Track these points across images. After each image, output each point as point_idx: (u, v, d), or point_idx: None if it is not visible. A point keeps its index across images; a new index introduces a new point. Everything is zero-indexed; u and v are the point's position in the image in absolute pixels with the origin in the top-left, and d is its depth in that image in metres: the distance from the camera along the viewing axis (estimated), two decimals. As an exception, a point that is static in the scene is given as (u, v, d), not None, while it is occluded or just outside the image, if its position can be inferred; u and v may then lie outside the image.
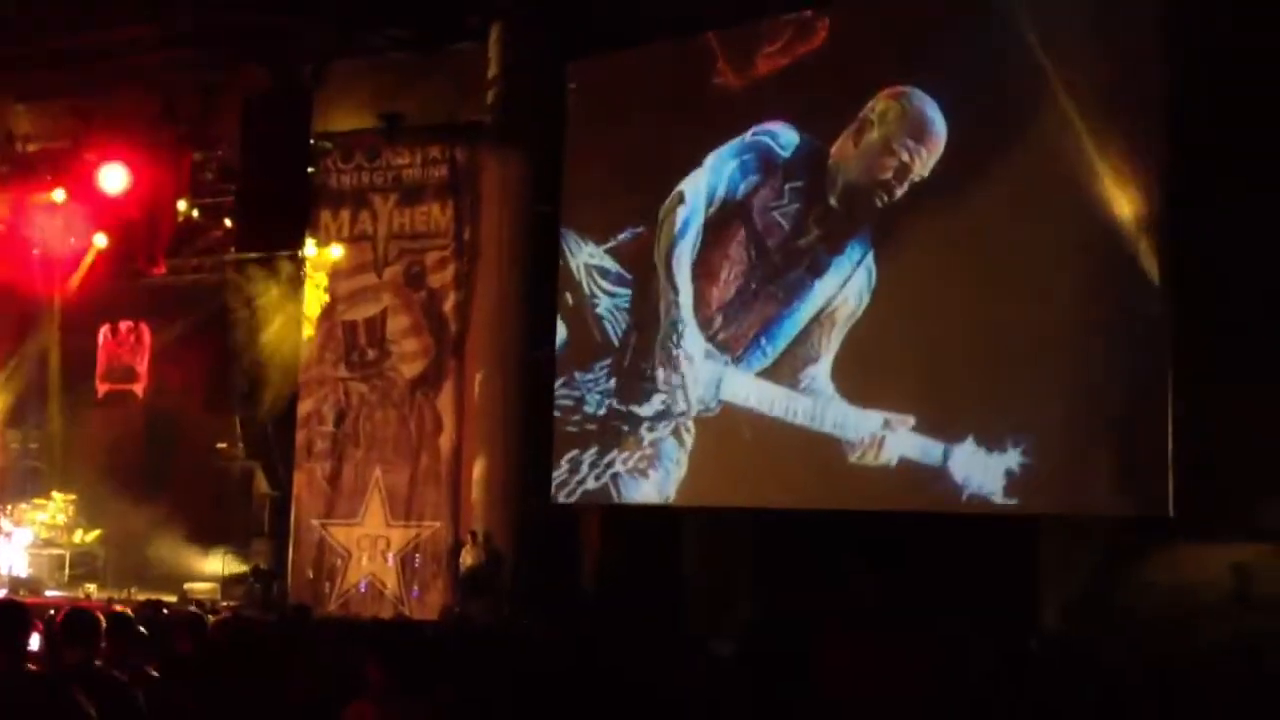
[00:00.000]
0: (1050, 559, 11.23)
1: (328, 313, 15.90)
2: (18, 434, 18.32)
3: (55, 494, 16.76)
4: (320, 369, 15.86)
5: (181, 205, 16.55)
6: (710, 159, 13.70)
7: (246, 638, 6.08)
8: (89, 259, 17.37)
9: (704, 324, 13.70)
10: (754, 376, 13.18)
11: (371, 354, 15.66)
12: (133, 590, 15.16)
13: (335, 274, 15.92)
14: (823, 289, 12.85)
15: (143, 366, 17.91)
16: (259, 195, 15.89)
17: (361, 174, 15.95)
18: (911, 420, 11.94)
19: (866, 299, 12.52)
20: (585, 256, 14.49)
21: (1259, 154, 9.84)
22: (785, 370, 12.99)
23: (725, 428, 13.35)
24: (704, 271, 13.72)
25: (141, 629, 5.68)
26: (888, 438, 12.09)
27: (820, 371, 12.74)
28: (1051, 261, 11.22)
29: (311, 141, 16.11)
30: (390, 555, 15.11)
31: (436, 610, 14.06)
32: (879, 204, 12.52)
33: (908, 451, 11.90)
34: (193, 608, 9.65)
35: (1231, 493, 10.06)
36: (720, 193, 13.69)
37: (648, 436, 13.82)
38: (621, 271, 14.30)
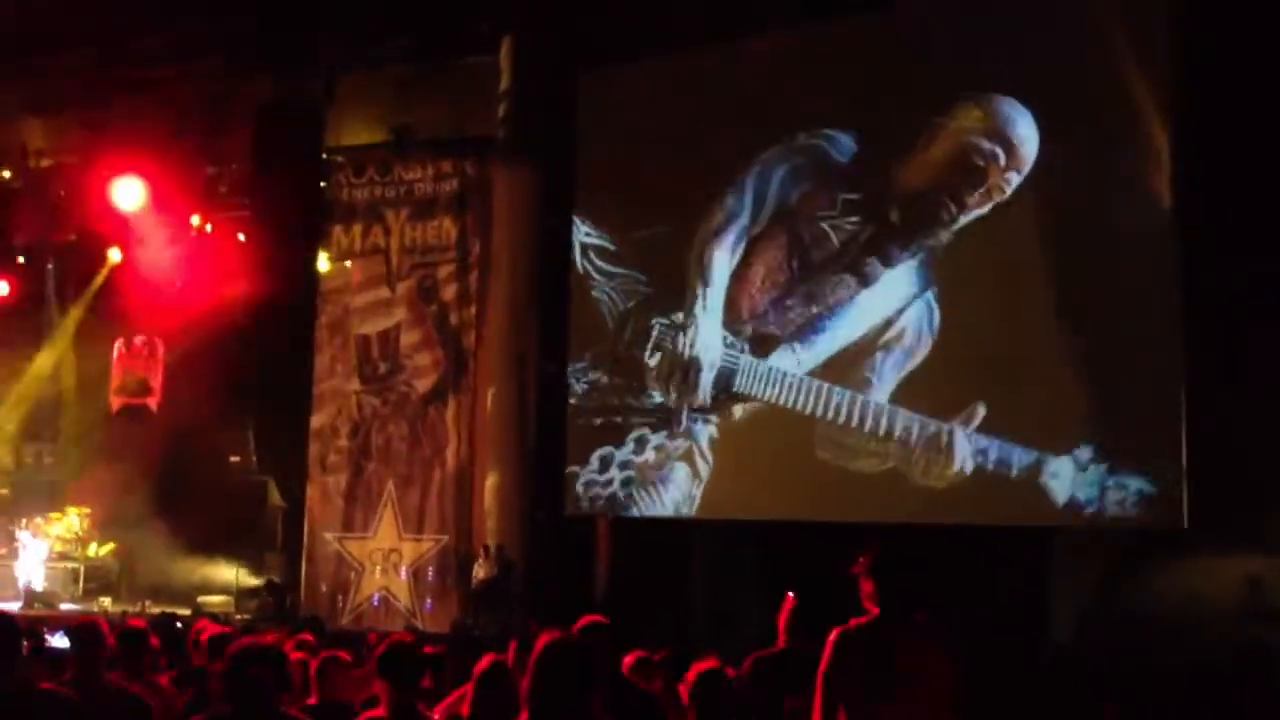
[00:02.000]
0: (1063, 570, 11.20)
1: (340, 326, 15.96)
2: (33, 448, 18.41)
3: (70, 508, 16.83)
4: (333, 382, 15.90)
5: (195, 220, 16.63)
6: (759, 160, 13.10)
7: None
8: (103, 273, 17.50)
9: (730, 328, 13.27)
10: (781, 381, 12.71)
11: (384, 368, 15.70)
12: (147, 604, 15.22)
13: (348, 288, 15.97)
14: (871, 309, 12.32)
15: (157, 380, 17.98)
16: (271, 209, 15.98)
17: (373, 188, 16.01)
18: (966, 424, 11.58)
19: (928, 337, 11.95)
20: (583, 236, 14.15)
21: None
22: (819, 380, 12.52)
23: (742, 434, 13.11)
24: (741, 277, 13.20)
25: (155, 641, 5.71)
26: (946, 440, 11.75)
27: (871, 398, 12.24)
28: (1079, 279, 11.11)
29: (323, 156, 16.20)
30: (403, 568, 15.13)
31: (449, 623, 14.09)
32: (945, 224, 11.81)
33: (934, 462, 11.76)
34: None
35: (1246, 504, 10.02)
36: (769, 197, 13.08)
37: (653, 439, 13.53)
38: (631, 256, 13.88)
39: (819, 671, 4.37)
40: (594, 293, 14.25)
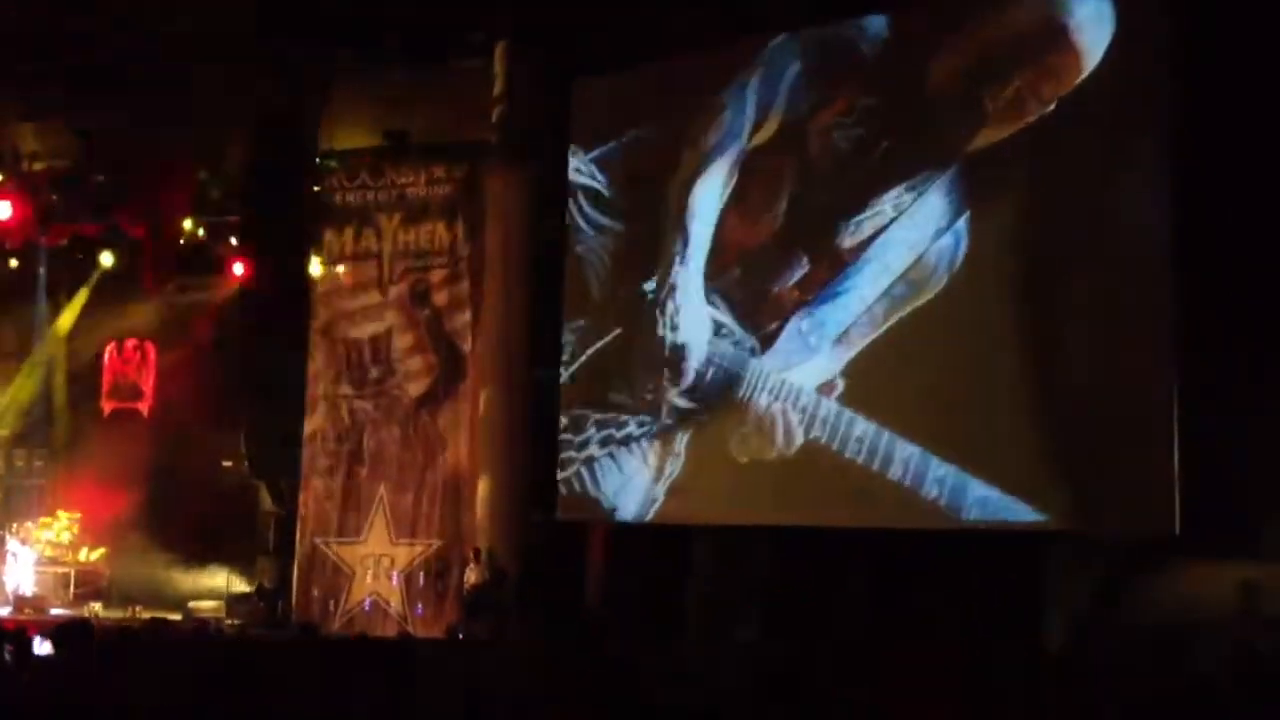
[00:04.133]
0: (1056, 576, 11.18)
1: (332, 330, 15.92)
2: (23, 452, 18.33)
3: (60, 512, 16.78)
4: (325, 387, 15.86)
5: (187, 224, 16.58)
6: (766, 53, 11.43)
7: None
8: (95, 277, 17.44)
9: (717, 287, 11.75)
10: (783, 366, 11.34)
11: (376, 372, 15.66)
12: (137, 609, 15.16)
13: (339, 292, 15.94)
14: (892, 255, 10.75)
15: (148, 385, 17.94)
16: (264, 213, 15.93)
17: (366, 192, 15.98)
18: (916, 438, 10.91)
19: (945, 278, 10.51)
20: (573, 173, 13.05)
21: (1270, 175, 9.82)
22: (830, 361, 11.07)
23: (730, 428, 12.11)
24: (731, 215, 11.63)
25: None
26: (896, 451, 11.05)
27: (865, 367, 10.90)
28: (1070, 270, 10.65)
29: (316, 160, 16.17)
30: (394, 573, 15.09)
31: (441, 628, 14.05)
32: (989, 141, 10.30)
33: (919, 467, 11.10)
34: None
35: (1239, 510, 10.00)
36: (775, 104, 11.40)
37: (626, 430, 12.62)
38: (615, 195, 12.77)
39: None
40: (579, 249, 13.43)
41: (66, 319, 17.95)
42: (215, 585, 16.34)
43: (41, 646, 5.88)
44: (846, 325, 11.32)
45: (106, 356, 18.10)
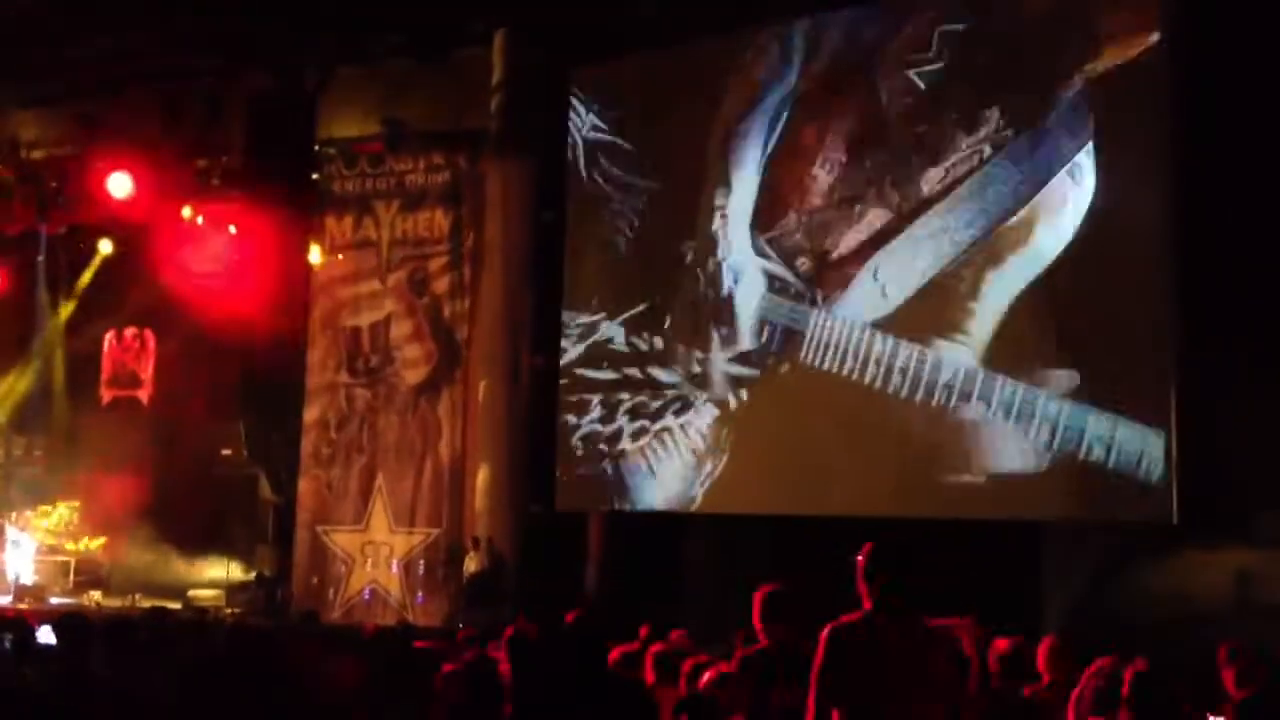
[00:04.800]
0: (1054, 565, 11.21)
1: (331, 319, 15.93)
2: (23, 440, 18.35)
3: (60, 501, 16.79)
4: (324, 375, 15.87)
5: (186, 211, 16.57)
6: None
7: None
8: (94, 264, 17.44)
9: (769, 239, 10.51)
10: (853, 317, 10.13)
11: (375, 360, 15.67)
12: (137, 597, 15.18)
13: (339, 280, 15.94)
14: (992, 195, 9.66)
15: (147, 373, 17.95)
16: (263, 201, 15.93)
17: (365, 180, 15.97)
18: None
19: (1070, 233, 9.52)
20: (588, 130, 11.96)
21: (1268, 164, 9.81)
22: (911, 322, 9.90)
23: (786, 403, 11.00)
24: (783, 161, 10.41)
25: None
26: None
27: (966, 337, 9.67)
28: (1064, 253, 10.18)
29: (316, 147, 16.15)
30: (394, 562, 15.11)
31: (440, 617, 14.08)
32: (1108, 65, 9.15)
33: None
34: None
35: (1236, 500, 10.04)
36: (833, 35, 10.12)
37: (659, 408, 11.60)
38: (636, 153, 11.61)
39: (814, 668, 4.35)
40: (602, 215, 12.32)
41: (66, 307, 17.95)
42: (215, 574, 16.36)
43: (42, 636, 5.90)
44: (932, 273, 10.29)
45: (106, 344, 18.11)
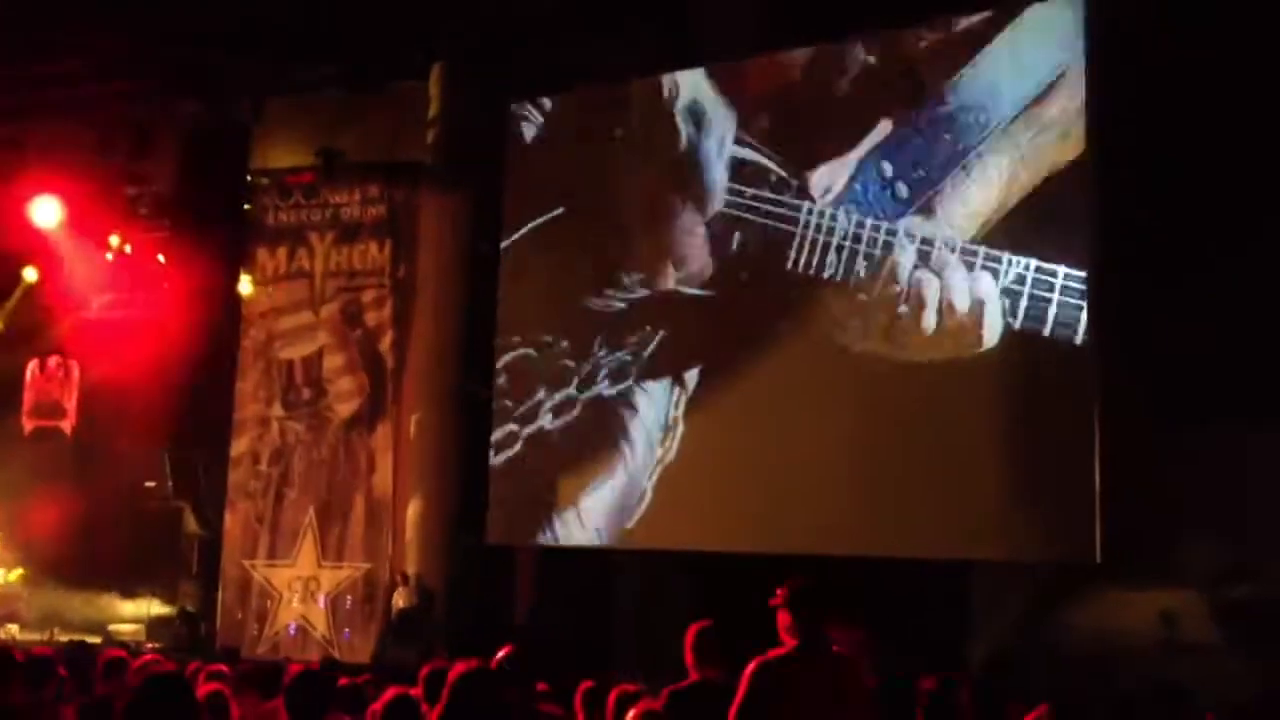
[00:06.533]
0: (980, 603, 11.30)
1: (263, 350, 15.77)
2: (-60, 471, 17.91)
3: (-23, 532, 16.41)
4: (254, 407, 15.69)
5: (114, 240, 16.33)
6: None
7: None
8: (18, 292, 17.12)
9: (744, 133, 9.68)
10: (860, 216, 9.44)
11: (307, 393, 15.52)
12: (56, 631, 14.84)
13: (272, 311, 15.79)
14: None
15: (71, 403, 17.60)
16: (194, 231, 15.76)
17: (299, 211, 15.87)
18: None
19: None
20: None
21: (1183, 205, 10.04)
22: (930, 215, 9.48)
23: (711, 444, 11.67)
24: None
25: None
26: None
27: None
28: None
29: (249, 178, 16.02)
30: (321, 596, 14.92)
31: (366, 653, 13.90)
32: None
33: None
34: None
35: (1159, 539, 10.18)
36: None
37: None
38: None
39: (734, 704, 4.36)
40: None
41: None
42: (137, 609, 16.06)
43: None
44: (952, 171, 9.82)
45: (29, 374, 17.76)
